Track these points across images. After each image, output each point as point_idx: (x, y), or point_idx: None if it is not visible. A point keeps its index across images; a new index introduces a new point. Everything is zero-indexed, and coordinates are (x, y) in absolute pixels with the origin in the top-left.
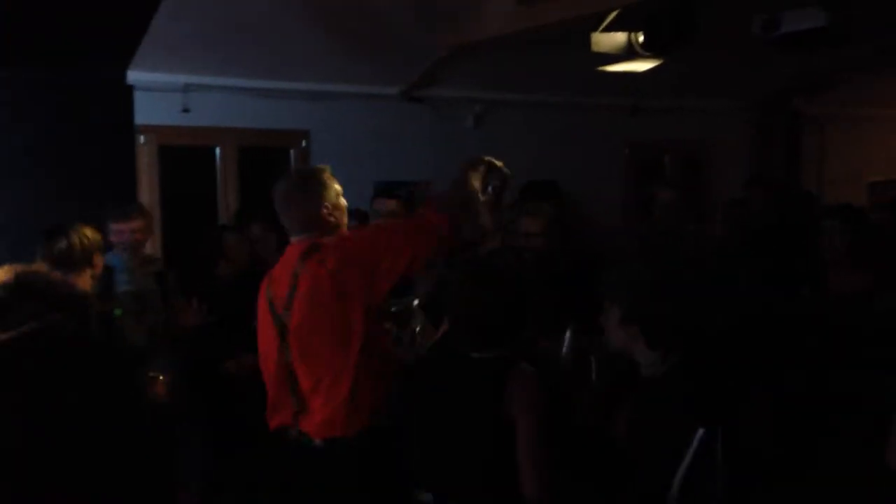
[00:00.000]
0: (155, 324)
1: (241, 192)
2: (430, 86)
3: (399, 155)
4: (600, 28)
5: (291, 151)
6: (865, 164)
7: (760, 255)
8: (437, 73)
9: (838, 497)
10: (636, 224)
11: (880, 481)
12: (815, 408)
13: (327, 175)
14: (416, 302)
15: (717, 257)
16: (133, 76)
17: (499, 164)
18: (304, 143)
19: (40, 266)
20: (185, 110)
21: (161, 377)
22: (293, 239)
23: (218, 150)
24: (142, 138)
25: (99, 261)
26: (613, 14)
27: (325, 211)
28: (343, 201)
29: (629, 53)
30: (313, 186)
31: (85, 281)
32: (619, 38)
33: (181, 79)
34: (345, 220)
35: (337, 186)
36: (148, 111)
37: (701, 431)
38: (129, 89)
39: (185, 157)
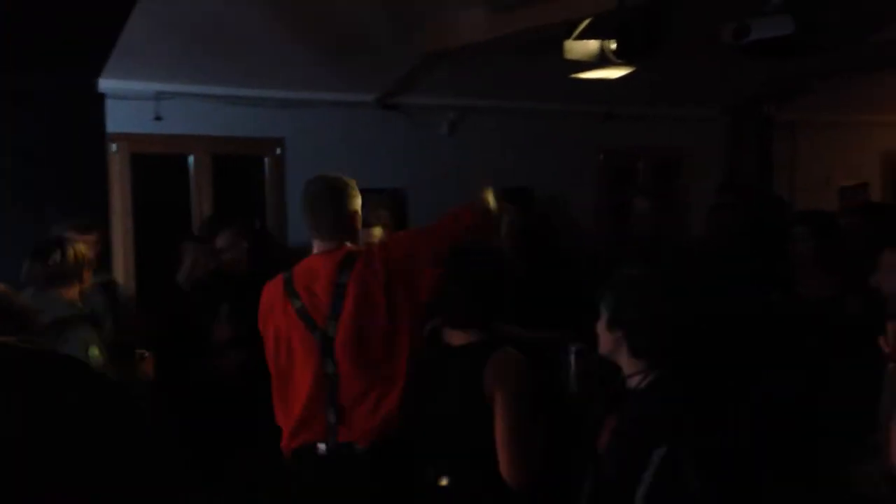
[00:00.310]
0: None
1: (214, 200)
2: (405, 93)
3: (374, 162)
4: (573, 36)
5: (266, 159)
6: (835, 169)
7: (736, 260)
8: (411, 80)
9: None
10: (613, 231)
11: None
12: (800, 413)
13: (354, 184)
14: None
15: (697, 262)
16: (105, 84)
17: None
18: (278, 151)
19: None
20: (158, 118)
21: (147, 354)
22: (320, 244)
23: (191, 159)
24: (113, 147)
25: (88, 276)
26: (586, 22)
27: (354, 217)
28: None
29: (602, 61)
30: (348, 191)
31: (74, 294)
32: (592, 45)
33: (153, 86)
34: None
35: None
36: (120, 119)
37: (662, 450)
38: (101, 97)
39: (157, 165)
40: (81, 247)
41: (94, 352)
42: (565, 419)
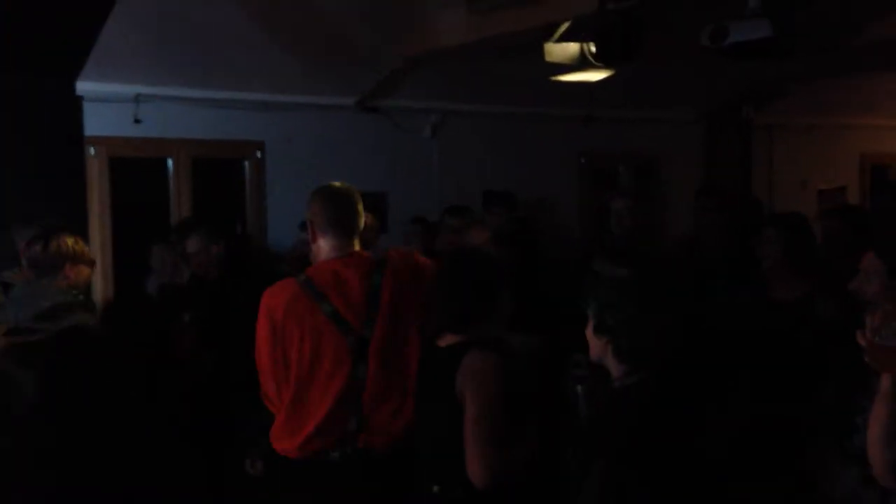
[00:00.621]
0: None
1: (194, 203)
2: (386, 96)
3: (355, 166)
4: (553, 38)
5: (246, 162)
6: (813, 172)
7: (714, 262)
8: (392, 83)
9: None
10: (594, 234)
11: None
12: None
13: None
14: None
15: (675, 264)
16: (82, 86)
17: None
18: (258, 154)
19: None
20: (137, 121)
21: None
22: (332, 249)
23: (170, 162)
24: (92, 150)
25: (71, 271)
26: (566, 25)
27: (363, 223)
28: None
29: (582, 63)
30: (359, 198)
31: (63, 285)
32: (572, 48)
33: (132, 89)
34: None
35: None
36: (98, 122)
37: (602, 463)
38: (79, 100)
39: (136, 168)
40: (69, 240)
41: None
42: (562, 423)
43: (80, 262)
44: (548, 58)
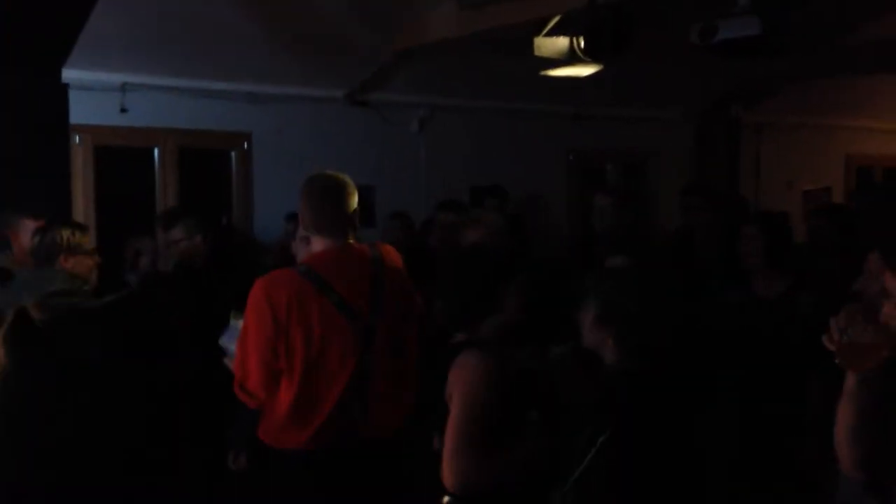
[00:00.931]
0: None
1: (180, 194)
2: (375, 89)
3: (343, 158)
4: (543, 32)
5: (233, 153)
6: (800, 172)
7: (702, 260)
8: (381, 77)
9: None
10: (576, 230)
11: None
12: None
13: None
14: None
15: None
16: (68, 74)
17: None
18: (245, 146)
19: None
20: (123, 110)
21: None
22: (326, 239)
23: (156, 151)
24: (77, 138)
25: (67, 262)
26: (556, 19)
27: (356, 213)
28: None
29: (571, 58)
30: (351, 189)
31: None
32: (562, 42)
33: (119, 77)
34: None
35: None
36: (84, 111)
37: (605, 435)
38: (64, 88)
39: (122, 158)
40: (66, 233)
41: None
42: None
43: (78, 253)
44: (537, 52)
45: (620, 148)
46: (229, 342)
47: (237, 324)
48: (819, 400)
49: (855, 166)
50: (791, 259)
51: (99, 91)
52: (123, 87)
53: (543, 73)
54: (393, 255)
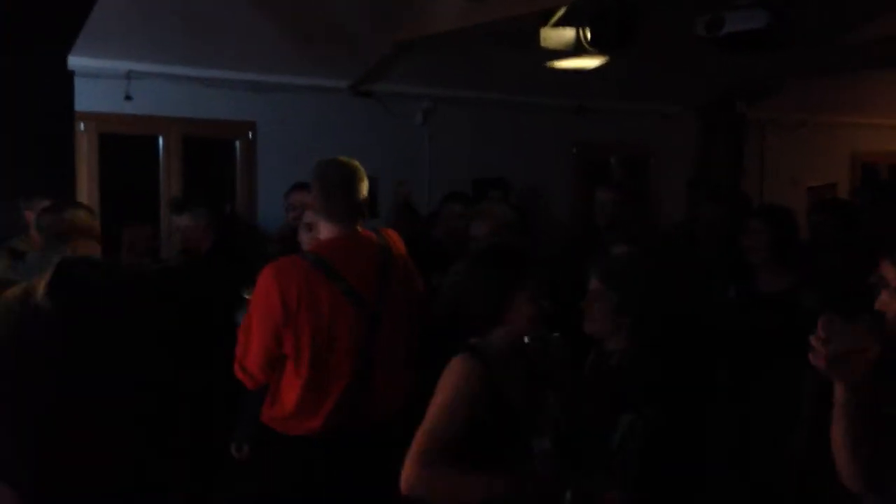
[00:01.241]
0: None
1: (184, 182)
2: (379, 80)
3: (346, 149)
4: (549, 24)
5: (237, 142)
6: (804, 169)
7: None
8: (385, 67)
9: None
10: (578, 223)
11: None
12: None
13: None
14: None
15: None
16: (74, 61)
17: None
18: (250, 135)
19: None
20: (128, 98)
21: None
22: (335, 226)
23: (161, 140)
24: (81, 126)
25: (80, 244)
26: (562, 10)
27: (365, 201)
28: None
29: (577, 50)
30: (362, 175)
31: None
32: (568, 33)
33: (124, 65)
34: None
35: None
36: (89, 98)
37: (628, 416)
38: (70, 75)
39: (126, 145)
40: (80, 214)
41: None
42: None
43: (91, 237)
44: (543, 43)
45: (624, 142)
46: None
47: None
48: (814, 397)
49: (860, 163)
50: (796, 255)
51: (104, 79)
52: (128, 75)
53: (550, 64)
54: (397, 241)
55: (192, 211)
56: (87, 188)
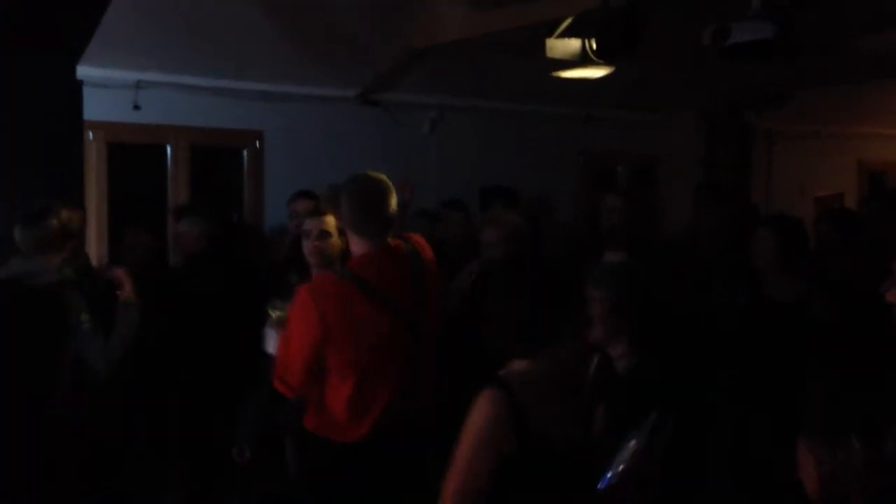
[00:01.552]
0: None
1: (191, 191)
2: (386, 90)
3: (354, 158)
4: (555, 34)
5: (244, 151)
6: (812, 179)
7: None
8: (392, 76)
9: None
10: (584, 231)
11: None
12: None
13: None
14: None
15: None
16: (83, 71)
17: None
18: (257, 144)
19: None
20: (136, 107)
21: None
22: (367, 241)
23: (169, 149)
24: (90, 135)
25: (72, 248)
26: (568, 20)
27: (395, 215)
28: None
29: (583, 60)
30: (392, 190)
31: (58, 262)
32: (574, 44)
33: (133, 75)
34: None
35: None
36: (97, 107)
37: (653, 416)
38: (79, 85)
39: (134, 155)
40: (72, 215)
41: (85, 316)
42: None
43: (78, 237)
44: (549, 54)
45: (631, 150)
46: (269, 331)
47: (275, 315)
48: (820, 403)
49: (867, 172)
50: (803, 263)
51: (113, 88)
52: (137, 85)
53: (555, 74)
54: (425, 246)
55: (188, 218)
56: (95, 197)
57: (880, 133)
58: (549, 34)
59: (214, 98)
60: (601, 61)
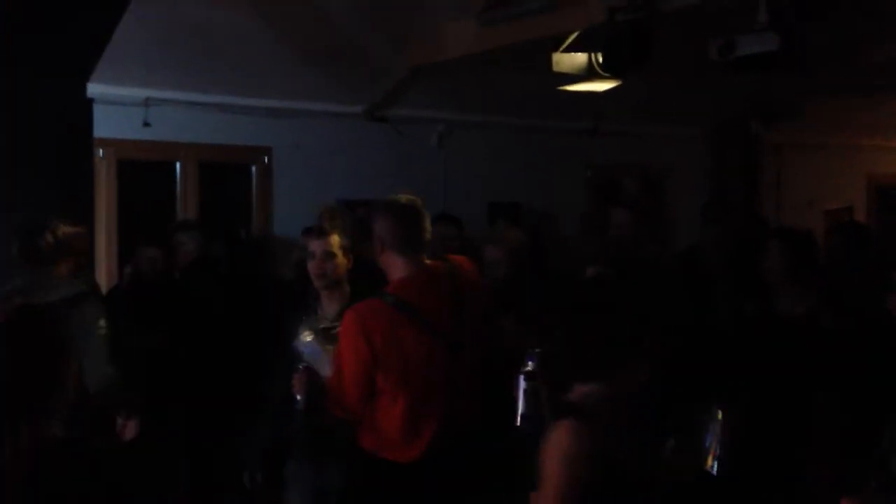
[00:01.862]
0: None
1: (201, 207)
2: (394, 105)
3: (362, 174)
4: (561, 48)
5: (253, 168)
6: (821, 192)
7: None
8: (400, 92)
9: None
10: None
11: None
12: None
13: None
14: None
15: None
16: (93, 89)
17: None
18: (266, 160)
19: None
20: (146, 124)
21: None
22: (406, 260)
23: (178, 166)
24: (100, 152)
25: (72, 262)
26: (574, 35)
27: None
28: None
29: (589, 74)
30: (425, 211)
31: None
32: (580, 58)
33: (142, 93)
34: None
35: None
36: (107, 125)
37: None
38: (89, 102)
39: (144, 171)
40: (72, 231)
41: (102, 322)
42: None
43: (78, 252)
44: (555, 68)
45: (638, 163)
46: (307, 350)
47: (306, 340)
48: (826, 416)
49: (876, 185)
50: (814, 275)
51: (122, 106)
52: (146, 102)
53: (561, 87)
54: (465, 264)
55: (185, 233)
56: (105, 214)
57: (889, 145)
58: (556, 49)
59: (223, 115)
60: (608, 75)
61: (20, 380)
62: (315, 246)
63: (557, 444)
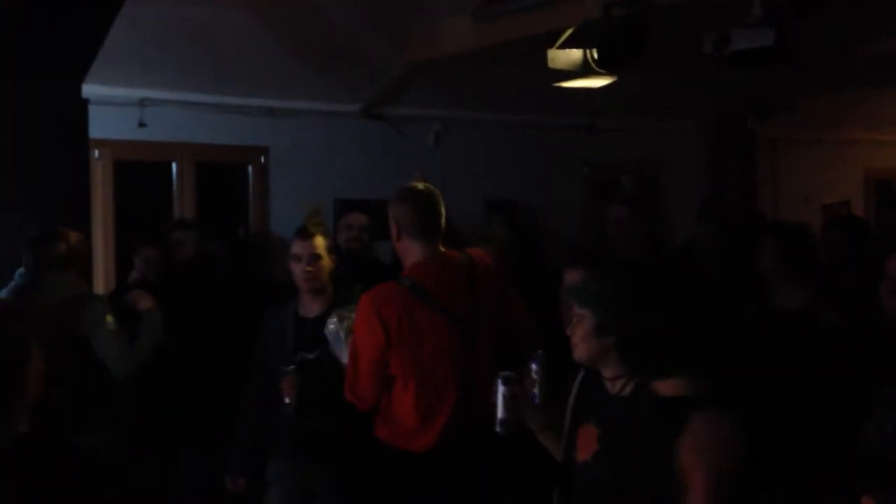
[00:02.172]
0: None
1: (197, 208)
2: (390, 104)
3: (359, 172)
4: (556, 45)
5: (250, 167)
6: (818, 187)
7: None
8: (397, 90)
9: None
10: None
11: None
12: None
13: None
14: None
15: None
16: (88, 89)
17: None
18: (262, 160)
19: None
20: (142, 125)
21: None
22: (423, 248)
23: (175, 166)
24: (96, 153)
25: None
26: (569, 31)
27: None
28: None
29: (585, 70)
30: (441, 199)
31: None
32: (575, 54)
33: (138, 93)
34: None
35: None
36: (103, 125)
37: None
38: (84, 103)
39: (140, 172)
40: (79, 238)
41: (109, 319)
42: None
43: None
44: (551, 64)
45: (636, 160)
46: (329, 335)
47: (330, 327)
48: (831, 414)
49: (874, 179)
50: (810, 270)
51: (118, 106)
52: (142, 103)
53: (557, 84)
54: (483, 256)
55: (182, 231)
56: (101, 214)
57: (886, 140)
58: (551, 45)
59: (219, 114)
60: (603, 71)
61: None
62: (301, 248)
63: (714, 434)
